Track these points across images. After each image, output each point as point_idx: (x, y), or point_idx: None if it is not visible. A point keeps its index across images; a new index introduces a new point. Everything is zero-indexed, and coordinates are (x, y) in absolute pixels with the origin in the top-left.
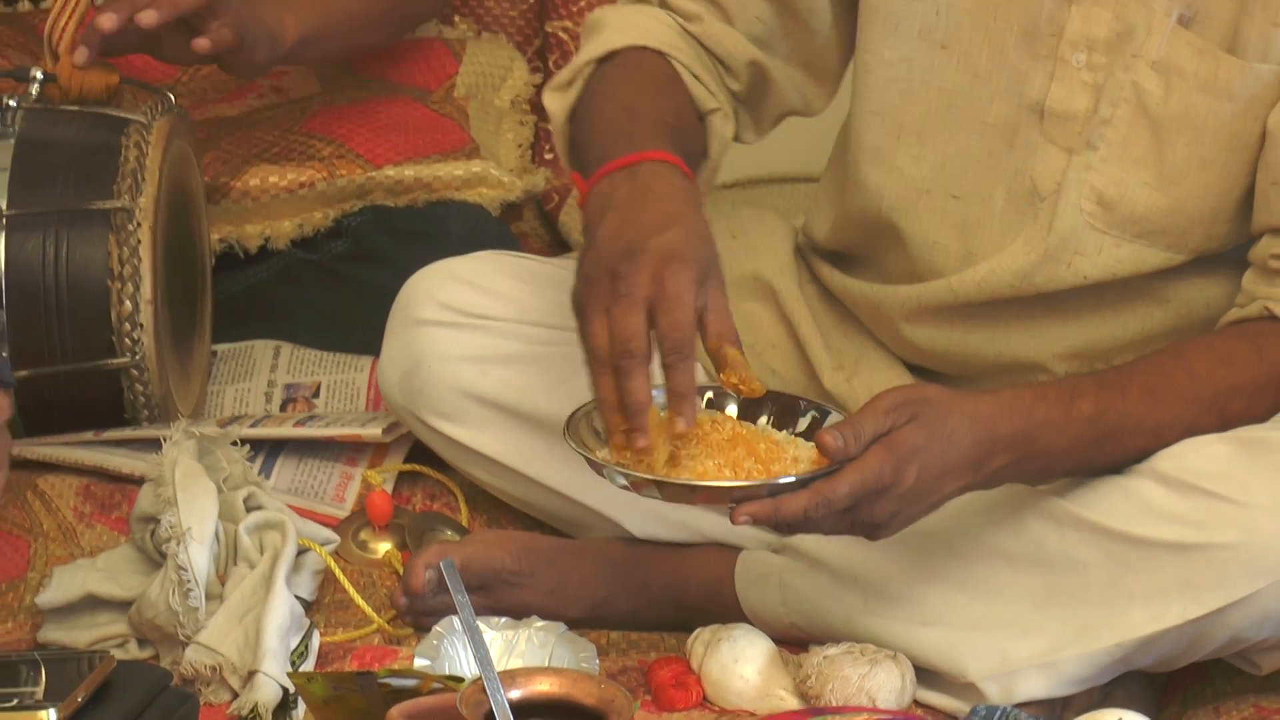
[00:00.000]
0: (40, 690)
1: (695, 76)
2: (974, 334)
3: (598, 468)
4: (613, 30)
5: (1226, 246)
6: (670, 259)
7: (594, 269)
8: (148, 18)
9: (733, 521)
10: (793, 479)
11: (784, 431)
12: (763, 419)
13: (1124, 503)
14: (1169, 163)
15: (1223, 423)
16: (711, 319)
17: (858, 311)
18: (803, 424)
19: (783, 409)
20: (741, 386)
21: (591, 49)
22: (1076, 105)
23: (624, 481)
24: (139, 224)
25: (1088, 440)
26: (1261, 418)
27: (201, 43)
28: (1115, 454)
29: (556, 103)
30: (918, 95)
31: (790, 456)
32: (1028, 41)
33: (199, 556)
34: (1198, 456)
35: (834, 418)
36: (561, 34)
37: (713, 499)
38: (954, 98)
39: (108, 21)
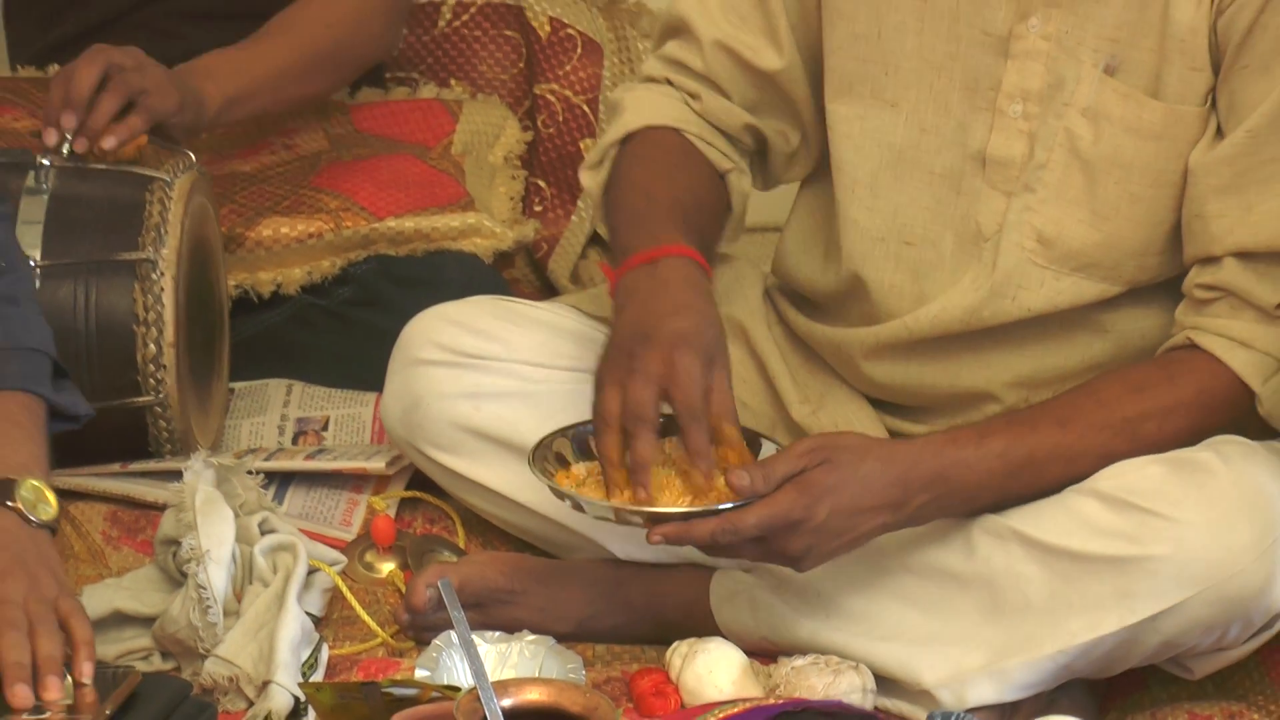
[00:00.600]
0: (67, 700)
1: (708, 143)
2: (928, 368)
3: (559, 494)
4: (630, 112)
5: (1159, 278)
6: (680, 343)
7: (614, 350)
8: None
9: (648, 540)
10: (715, 509)
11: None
12: None
13: (1065, 520)
14: (1100, 200)
15: (1136, 445)
16: (715, 398)
17: (821, 351)
18: (764, 455)
19: (750, 444)
20: (733, 460)
21: (614, 131)
22: (1015, 152)
23: (588, 509)
24: (162, 273)
25: (1000, 473)
26: (1177, 437)
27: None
28: (1034, 482)
29: (591, 180)
30: (870, 150)
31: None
32: (969, 96)
33: (217, 576)
34: (1134, 476)
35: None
36: (549, 95)
37: (653, 522)
38: (903, 151)
39: (109, 143)
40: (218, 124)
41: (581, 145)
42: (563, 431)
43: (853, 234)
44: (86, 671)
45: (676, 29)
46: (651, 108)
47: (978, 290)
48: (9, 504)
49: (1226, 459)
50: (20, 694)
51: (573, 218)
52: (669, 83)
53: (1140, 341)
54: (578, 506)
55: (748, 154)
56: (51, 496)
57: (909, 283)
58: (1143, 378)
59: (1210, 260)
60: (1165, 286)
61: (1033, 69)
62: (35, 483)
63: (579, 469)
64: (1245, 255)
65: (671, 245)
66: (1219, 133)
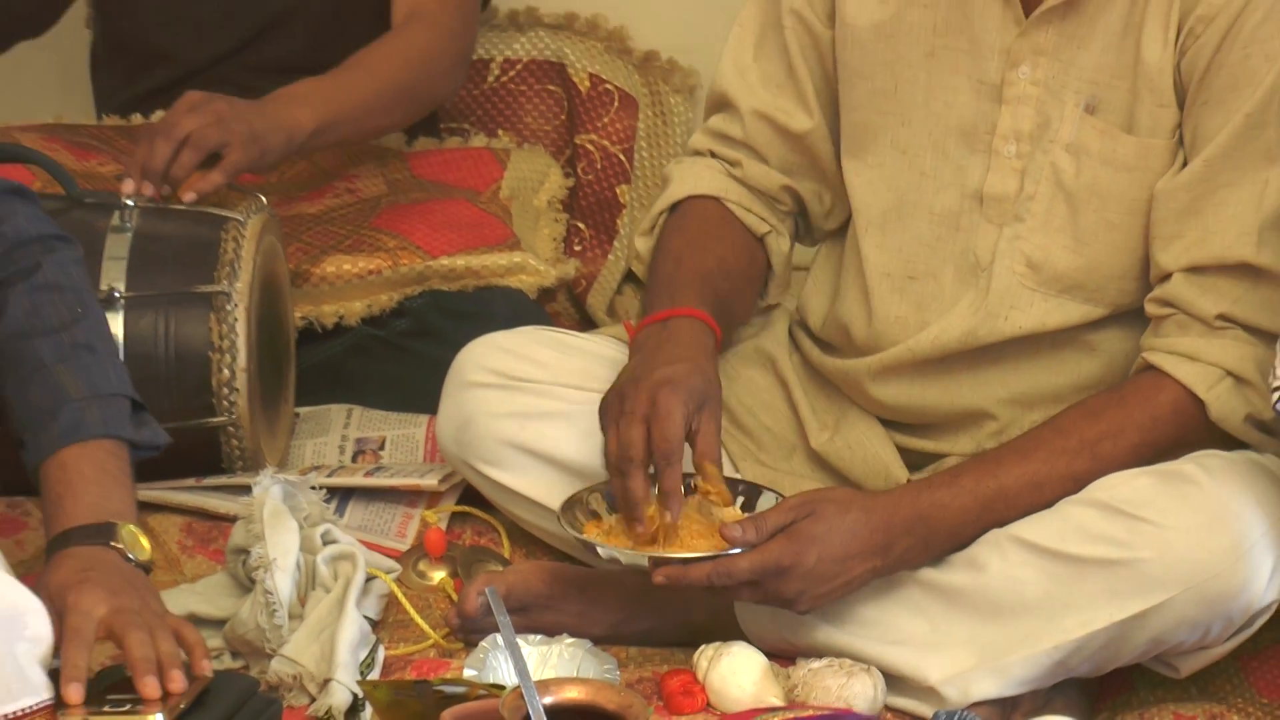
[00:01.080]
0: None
1: (746, 209)
2: (931, 389)
3: (581, 542)
4: (676, 183)
5: (1139, 302)
6: (664, 385)
7: (610, 394)
8: (208, 184)
9: (652, 580)
10: (711, 555)
11: (745, 513)
12: (739, 501)
13: (1060, 526)
14: (1082, 227)
15: (1097, 464)
16: (700, 440)
17: (833, 379)
18: (763, 505)
19: (749, 496)
20: (714, 497)
21: (662, 201)
22: (1009, 188)
23: (603, 553)
24: (235, 305)
25: (974, 508)
26: (1136, 452)
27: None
28: (1007, 512)
29: (643, 245)
30: (880, 194)
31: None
32: (966, 140)
33: (283, 582)
34: (1125, 487)
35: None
36: (588, 145)
37: (655, 565)
38: (906, 194)
39: (188, 198)
40: (306, 150)
41: (618, 191)
42: (595, 487)
43: (866, 271)
44: (207, 668)
45: (720, 103)
46: (695, 179)
47: (974, 313)
48: (112, 544)
49: (1209, 471)
50: (149, 685)
51: (609, 257)
52: (712, 154)
53: (1126, 362)
54: (593, 551)
55: (790, 215)
56: (145, 540)
57: (912, 313)
58: (1098, 403)
59: (1165, 278)
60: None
61: (1024, 112)
62: (132, 528)
63: (609, 520)
64: (1193, 269)
65: (684, 308)
66: (1184, 163)
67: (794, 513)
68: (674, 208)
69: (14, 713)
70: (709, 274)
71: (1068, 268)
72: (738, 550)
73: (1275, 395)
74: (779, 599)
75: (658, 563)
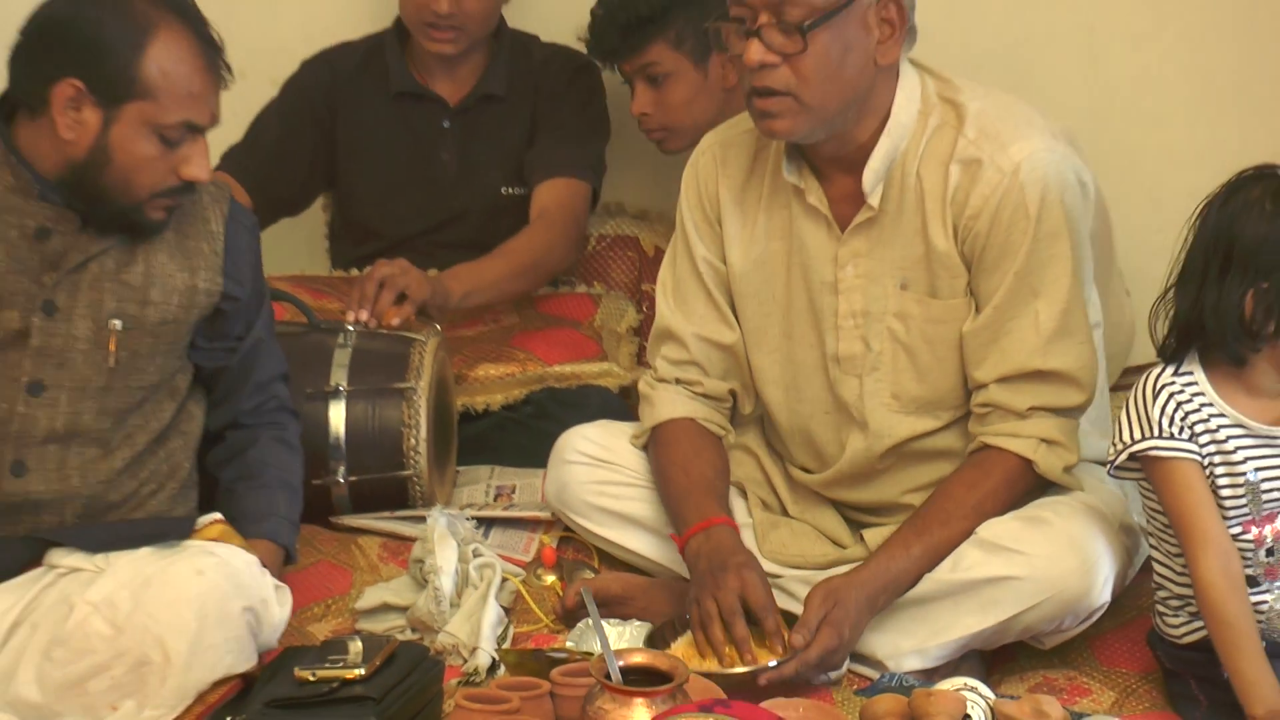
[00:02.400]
0: (356, 656)
1: (712, 422)
2: (859, 489)
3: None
4: (659, 407)
5: (965, 408)
6: (745, 567)
7: (699, 581)
8: (400, 315)
9: (759, 683)
10: (767, 666)
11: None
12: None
13: (958, 558)
14: (920, 366)
15: (981, 519)
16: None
17: (798, 479)
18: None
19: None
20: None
21: (648, 421)
22: (856, 350)
23: (701, 673)
24: (419, 396)
25: (923, 567)
26: (1006, 504)
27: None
28: (936, 562)
29: (638, 444)
30: (775, 360)
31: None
32: (816, 320)
33: (446, 582)
34: (1000, 529)
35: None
36: (650, 291)
37: (732, 683)
38: (790, 356)
39: (394, 322)
40: (459, 308)
41: None
42: (661, 626)
43: (782, 414)
44: None
45: (666, 336)
46: (670, 405)
47: (866, 437)
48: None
49: (1058, 513)
50: None
51: None
52: (677, 380)
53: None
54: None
55: (729, 411)
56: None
57: (832, 440)
58: (971, 477)
59: (981, 388)
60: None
61: (854, 297)
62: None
63: (677, 644)
64: (1002, 380)
65: (716, 518)
66: (977, 309)
67: (824, 607)
68: (658, 427)
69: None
70: (711, 481)
71: (918, 394)
72: (784, 660)
73: (1114, 457)
74: (831, 666)
75: (733, 679)
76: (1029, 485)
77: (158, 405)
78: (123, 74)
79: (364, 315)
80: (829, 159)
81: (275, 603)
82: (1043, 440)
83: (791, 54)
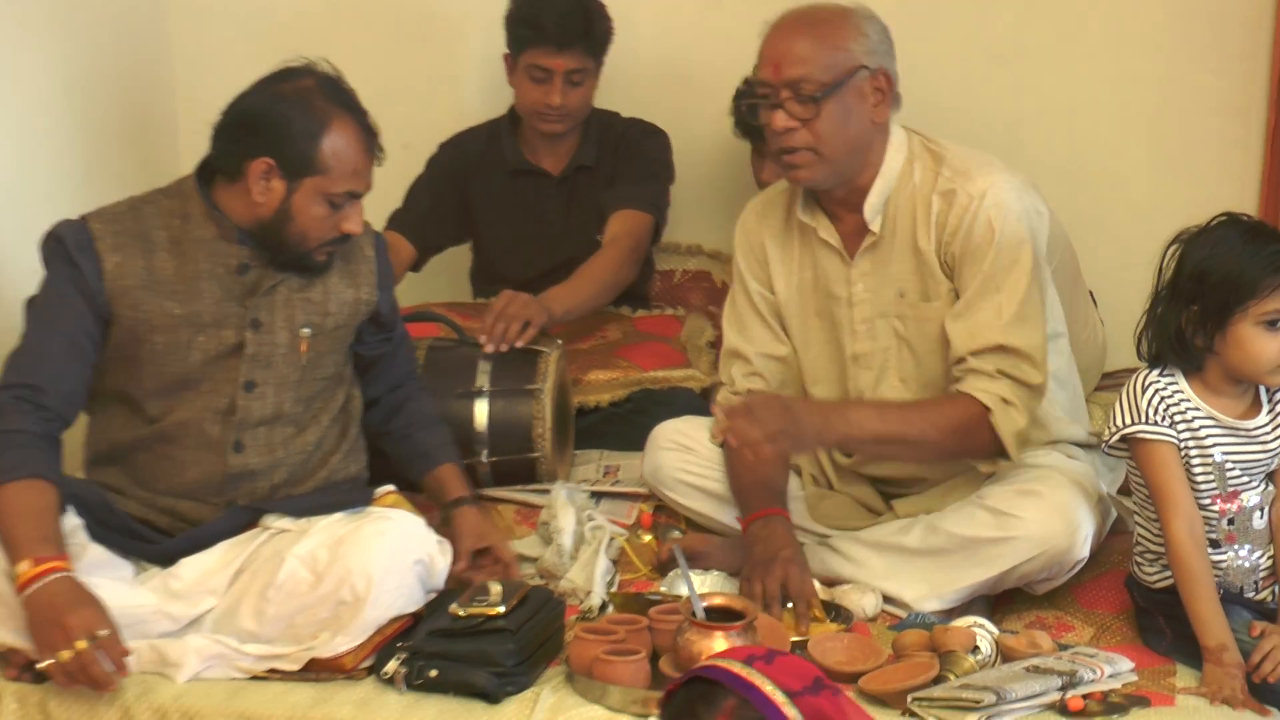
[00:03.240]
0: (496, 597)
1: None
2: (882, 463)
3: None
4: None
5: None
6: (790, 564)
7: (755, 564)
8: (526, 339)
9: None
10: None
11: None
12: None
13: (969, 520)
14: (917, 355)
15: (933, 438)
16: (806, 589)
17: (839, 460)
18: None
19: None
20: (815, 613)
21: (719, 425)
22: (868, 347)
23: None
24: (545, 396)
25: (868, 431)
26: (950, 423)
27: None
28: (880, 437)
29: (715, 440)
30: (819, 363)
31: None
32: (837, 327)
33: (566, 540)
34: (1000, 498)
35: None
36: (719, 313)
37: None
38: (829, 364)
39: (520, 344)
40: (559, 323)
41: None
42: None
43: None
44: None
45: (733, 356)
46: None
47: None
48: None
49: (1049, 487)
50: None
51: None
52: (749, 391)
53: None
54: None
55: None
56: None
57: None
58: (942, 403)
59: (959, 361)
60: None
61: (865, 308)
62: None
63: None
64: (974, 352)
65: (772, 509)
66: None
67: (781, 409)
68: None
69: (401, 616)
70: (770, 479)
71: (917, 376)
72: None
73: (1108, 437)
74: (776, 442)
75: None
76: (980, 439)
77: (334, 391)
78: (305, 155)
79: (499, 347)
80: (838, 201)
81: (439, 555)
82: (1004, 400)
83: (808, 119)
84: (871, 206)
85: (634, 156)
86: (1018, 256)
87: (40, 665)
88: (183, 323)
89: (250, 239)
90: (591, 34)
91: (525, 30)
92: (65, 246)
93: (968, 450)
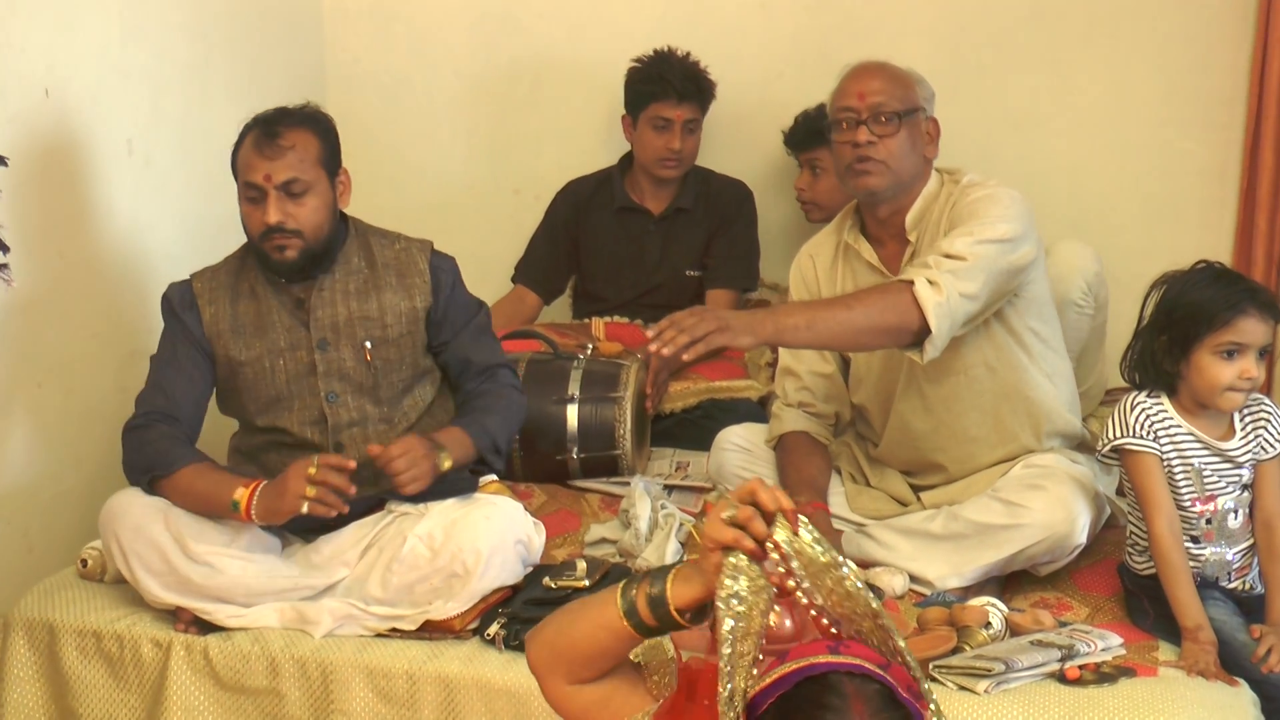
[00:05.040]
0: (582, 572)
1: (819, 434)
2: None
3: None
4: (784, 422)
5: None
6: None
7: None
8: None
9: (650, 348)
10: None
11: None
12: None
13: (984, 510)
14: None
15: (859, 311)
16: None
17: (875, 457)
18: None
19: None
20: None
21: (776, 430)
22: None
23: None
24: (626, 402)
25: (808, 318)
26: (880, 322)
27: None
28: (816, 323)
29: (770, 444)
30: (862, 372)
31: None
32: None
33: (643, 525)
34: (1012, 491)
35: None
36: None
37: None
38: (868, 372)
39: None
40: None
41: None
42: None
43: (876, 408)
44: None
45: (786, 373)
46: (792, 421)
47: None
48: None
49: (1053, 483)
50: None
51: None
52: (800, 404)
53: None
54: None
55: (832, 427)
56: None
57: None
58: (873, 287)
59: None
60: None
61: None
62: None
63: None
64: (936, 254)
65: (814, 503)
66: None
67: (714, 317)
68: (784, 435)
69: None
70: (814, 478)
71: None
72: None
73: (1102, 447)
74: (714, 336)
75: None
76: (900, 315)
77: (421, 390)
78: (234, 167)
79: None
80: (881, 222)
81: (536, 535)
82: (930, 281)
83: (884, 136)
84: (910, 220)
85: (731, 222)
86: (997, 200)
87: (304, 511)
88: (264, 354)
89: (295, 278)
90: (703, 89)
91: (651, 86)
92: (172, 305)
93: (896, 327)
